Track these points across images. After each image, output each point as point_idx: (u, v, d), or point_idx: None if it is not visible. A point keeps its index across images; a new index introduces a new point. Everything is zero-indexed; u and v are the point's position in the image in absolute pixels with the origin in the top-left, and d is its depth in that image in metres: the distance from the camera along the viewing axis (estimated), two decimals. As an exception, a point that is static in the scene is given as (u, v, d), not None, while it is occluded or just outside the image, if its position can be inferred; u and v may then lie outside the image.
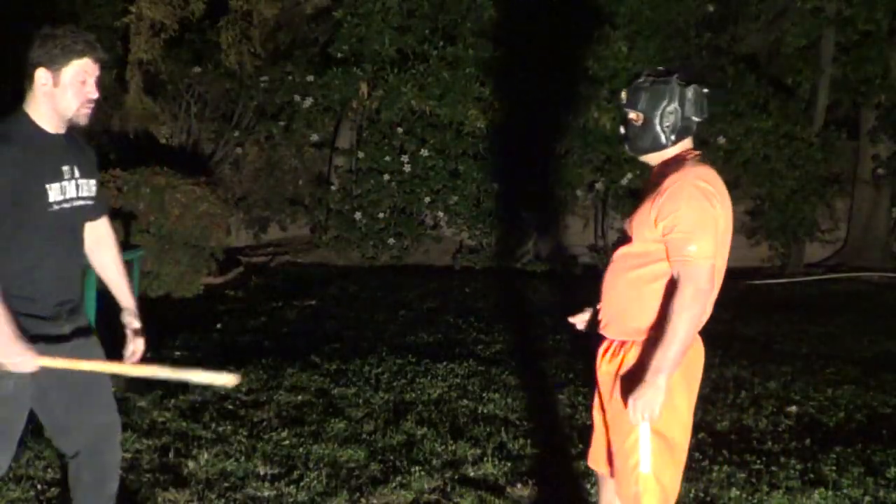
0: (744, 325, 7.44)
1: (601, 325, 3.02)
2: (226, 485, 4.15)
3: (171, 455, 4.45)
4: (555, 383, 5.85)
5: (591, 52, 10.19)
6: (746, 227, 11.16)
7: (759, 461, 4.55)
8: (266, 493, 4.07)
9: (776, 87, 11.11)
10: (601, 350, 3.04)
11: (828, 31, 11.07)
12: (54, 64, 2.89)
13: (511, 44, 10.46)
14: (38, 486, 4.02)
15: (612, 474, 3.01)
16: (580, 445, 4.76)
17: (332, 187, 10.87)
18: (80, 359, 3.11)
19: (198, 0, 9.97)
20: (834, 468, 4.46)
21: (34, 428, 4.57)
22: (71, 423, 3.13)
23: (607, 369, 2.99)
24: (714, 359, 6.40)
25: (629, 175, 10.43)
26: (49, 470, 4.20)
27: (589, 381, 5.86)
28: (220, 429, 4.82)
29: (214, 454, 4.47)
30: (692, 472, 4.38)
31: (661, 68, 2.98)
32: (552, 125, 10.38)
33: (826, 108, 11.32)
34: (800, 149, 10.89)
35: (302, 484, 4.16)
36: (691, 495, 4.17)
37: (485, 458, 4.52)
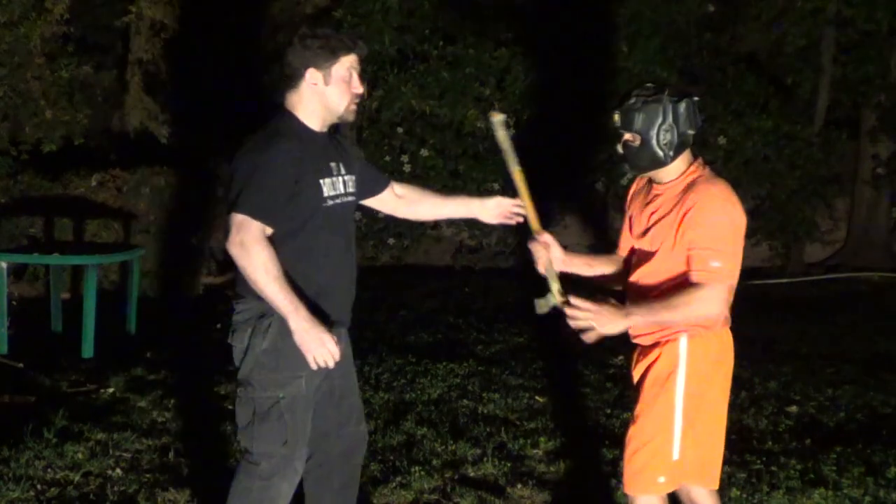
0: (744, 325, 7.41)
1: (633, 336, 3.10)
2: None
3: (171, 455, 4.45)
4: (555, 383, 5.85)
5: (591, 53, 10.19)
6: (746, 227, 11.15)
7: (759, 461, 4.55)
8: (266, 493, 4.07)
9: (776, 87, 11.10)
10: (635, 355, 3.13)
11: (828, 31, 11.06)
12: (324, 63, 2.94)
13: (511, 44, 10.47)
14: (38, 486, 4.02)
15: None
16: (580, 446, 4.77)
17: (332, 187, 10.87)
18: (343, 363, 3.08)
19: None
20: (834, 468, 4.46)
21: (33, 428, 4.58)
22: (331, 428, 3.15)
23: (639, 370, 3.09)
24: (714, 359, 6.39)
25: (629, 175, 10.41)
26: (49, 470, 4.20)
27: (590, 382, 5.87)
28: (221, 429, 4.81)
29: (214, 454, 4.46)
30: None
31: (649, 85, 3.00)
32: (555, 125, 10.39)
33: (826, 108, 11.31)
34: (800, 149, 10.88)
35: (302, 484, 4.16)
36: (691, 495, 4.16)
37: (485, 458, 4.52)
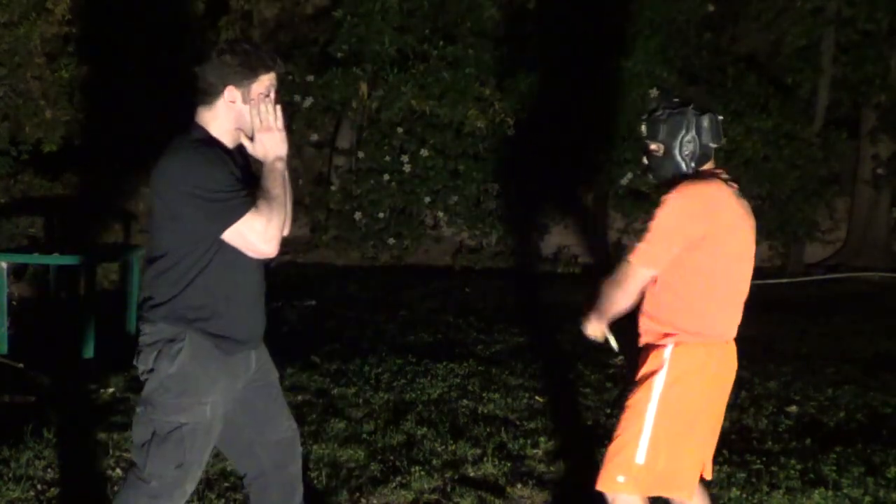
0: (744, 325, 7.40)
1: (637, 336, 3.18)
2: (226, 485, 4.15)
3: (171, 455, 4.44)
4: (555, 383, 5.86)
5: (591, 52, 10.19)
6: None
7: (759, 461, 4.55)
8: (266, 493, 4.07)
9: (776, 87, 11.11)
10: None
11: (828, 31, 11.07)
12: (243, 80, 2.84)
13: (511, 43, 10.47)
14: (38, 486, 4.02)
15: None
16: (580, 446, 4.77)
17: (332, 187, 10.87)
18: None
19: (198, 0, 9.96)
20: (834, 468, 4.46)
21: (33, 428, 4.58)
22: (254, 441, 3.04)
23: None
24: (714, 359, 6.40)
25: (629, 175, 10.44)
26: (49, 470, 4.20)
27: (590, 382, 5.87)
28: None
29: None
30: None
31: (676, 99, 3.13)
32: (556, 125, 10.39)
33: (826, 108, 11.32)
34: (800, 149, 10.89)
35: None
36: (691, 495, 4.16)
37: (485, 458, 4.52)
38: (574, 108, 10.29)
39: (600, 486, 3.01)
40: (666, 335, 3.01)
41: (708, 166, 3.10)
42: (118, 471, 4.24)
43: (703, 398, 3.02)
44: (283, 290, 8.74)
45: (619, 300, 3.07)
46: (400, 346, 6.60)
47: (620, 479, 2.96)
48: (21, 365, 5.82)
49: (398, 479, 4.26)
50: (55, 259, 6.54)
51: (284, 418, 3.12)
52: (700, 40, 10.99)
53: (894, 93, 11.22)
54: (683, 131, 3.04)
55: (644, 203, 10.28)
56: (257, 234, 2.76)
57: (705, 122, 3.05)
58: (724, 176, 3.09)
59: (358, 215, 10.58)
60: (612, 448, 3.02)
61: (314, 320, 7.52)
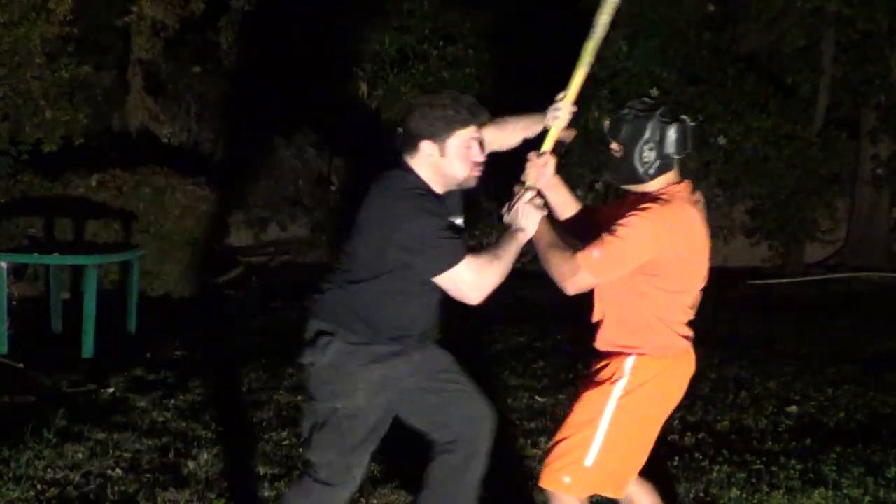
0: (744, 325, 7.44)
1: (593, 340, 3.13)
2: (226, 485, 4.15)
3: (171, 455, 4.45)
4: (555, 383, 5.85)
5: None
6: (746, 227, 11.16)
7: (759, 461, 4.55)
8: (266, 493, 4.07)
9: (776, 87, 11.10)
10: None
11: (828, 31, 11.06)
12: (439, 136, 2.91)
13: (511, 44, 10.47)
14: (38, 486, 4.02)
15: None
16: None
17: (332, 187, 10.87)
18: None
19: (198, 0, 9.97)
20: (834, 468, 4.46)
21: (33, 428, 4.58)
22: (440, 419, 3.21)
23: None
24: (714, 359, 6.40)
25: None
26: (49, 470, 4.20)
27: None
28: (220, 429, 4.82)
29: (214, 454, 4.47)
30: (692, 472, 4.38)
31: (646, 99, 3.00)
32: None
33: (826, 108, 11.32)
34: (800, 149, 10.88)
35: (302, 484, 4.16)
36: (691, 495, 4.17)
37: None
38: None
39: (544, 483, 2.99)
40: (629, 347, 2.96)
41: (670, 176, 2.94)
42: (118, 471, 4.24)
43: (660, 406, 3.00)
44: (284, 290, 8.74)
45: (546, 261, 2.98)
46: (400, 346, 6.59)
47: (566, 479, 2.93)
48: (21, 365, 5.82)
49: (398, 479, 4.26)
50: (55, 259, 6.54)
51: (474, 398, 3.29)
52: (700, 40, 10.99)
53: (894, 93, 11.22)
54: (646, 136, 2.88)
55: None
56: (468, 284, 2.91)
57: (671, 130, 2.87)
58: (687, 190, 2.96)
59: (358, 215, 10.57)
60: (560, 448, 2.97)
61: (314, 320, 7.51)
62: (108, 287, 7.93)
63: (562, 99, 3.18)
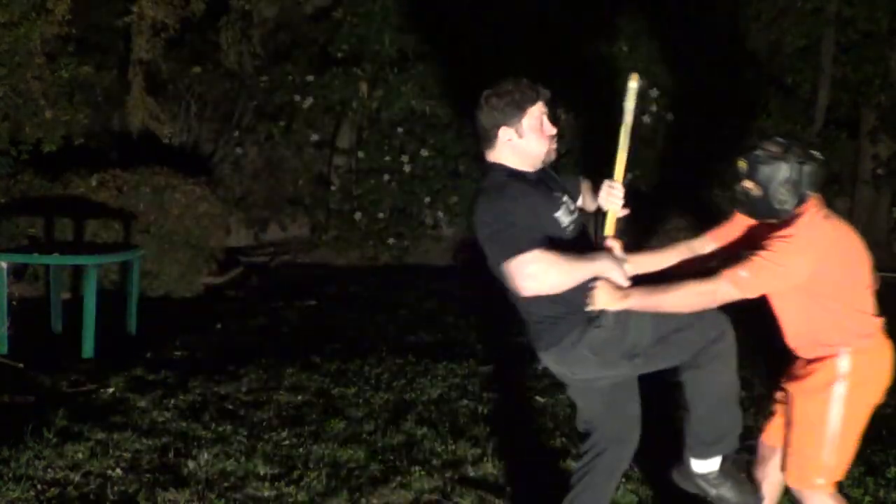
0: (744, 325, 7.43)
1: (794, 348, 3.46)
2: (226, 485, 4.15)
3: (171, 455, 4.45)
4: (555, 383, 5.85)
5: (592, 52, 10.20)
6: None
7: (759, 461, 4.54)
8: (266, 493, 4.08)
9: (776, 87, 11.10)
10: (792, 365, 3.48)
11: (828, 31, 11.06)
12: (513, 119, 3.08)
13: (511, 43, 10.47)
14: (38, 486, 4.02)
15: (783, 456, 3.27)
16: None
17: (332, 187, 10.87)
18: None
19: (198, 0, 9.97)
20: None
21: (33, 428, 4.58)
22: (671, 348, 3.27)
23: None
24: (714, 359, 6.40)
25: (629, 175, 10.42)
26: (49, 470, 4.20)
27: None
28: (220, 429, 4.82)
29: (214, 454, 4.47)
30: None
31: (780, 139, 3.14)
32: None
33: (826, 108, 11.31)
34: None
35: (302, 484, 4.16)
36: (691, 495, 4.16)
37: (485, 458, 4.52)
38: (574, 108, 10.29)
39: (800, 485, 3.20)
40: (835, 345, 3.18)
41: (807, 203, 3.12)
42: (118, 471, 4.24)
43: (876, 389, 3.19)
44: (283, 290, 8.74)
45: (677, 306, 3.08)
46: (400, 346, 6.60)
47: (819, 481, 3.16)
48: (21, 365, 5.82)
49: (398, 479, 4.26)
50: (55, 259, 6.54)
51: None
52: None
53: (894, 93, 11.22)
54: (783, 177, 3.06)
55: (643, 203, 10.28)
56: (517, 280, 3.02)
57: (806, 169, 3.07)
58: (818, 205, 3.16)
59: (358, 215, 10.58)
60: (800, 453, 3.18)
61: (314, 320, 7.51)
62: (108, 287, 7.92)
63: (614, 183, 3.30)
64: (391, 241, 10.58)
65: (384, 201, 10.61)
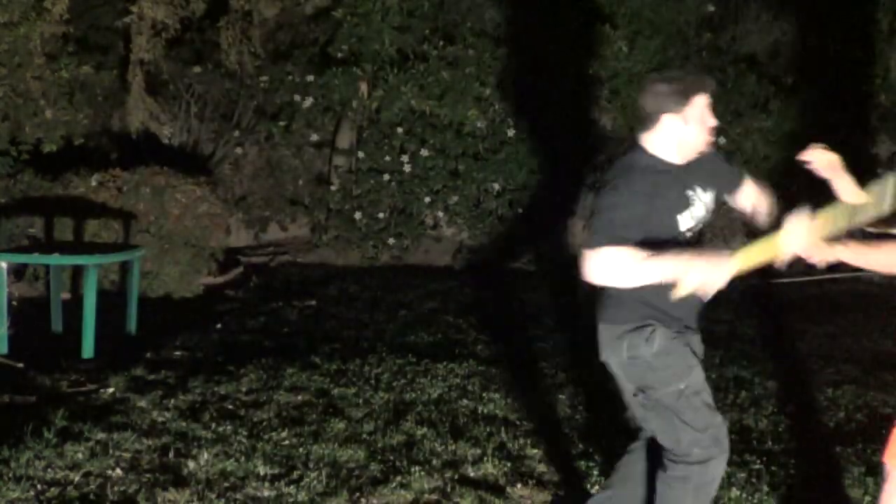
0: (744, 325, 7.44)
1: None
2: (226, 485, 4.15)
3: (171, 455, 4.45)
4: (555, 383, 5.86)
5: (591, 53, 10.20)
6: (747, 227, 11.17)
7: (759, 461, 4.55)
8: (266, 493, 4.08)
9: (776, 87, 11.09)
10: None
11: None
12: (678, 107, 3.13)
13: (512, 43, 10.47)
14: (38, 486, 4.02)
15: None
16: (580, 446, 4.77)
17: (332, 187, 10.86)
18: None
19: (198, 0, 9.97)
20: (834, 468, 4.46)
21: (33, 428, 4.58)
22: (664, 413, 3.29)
23: None
24: (714, 359, 6.41)
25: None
26: (49, 470, 4.20)
27: (590, 382, 5.87)
28: (220, 429, 4.82)
29: (214, 454, 4.47)
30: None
31: None
32: (552, 125, 10.40)
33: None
34: (799, 149, 10.88)
35: (302, 484, 4.16)
36: (691, 495, 4.16)
37: (485, 458, 4.52)
38: (574, 108, 10.29)
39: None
40: None
41: None
42: (118, 471, 4.24)
43: None
44: (283, 290, 8.74)
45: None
46: (400, 346, 6.60)
47: None
48: (21, 365, 5.82)
49: (398, 479, 4.26)
50: (55, 259, 6.54)
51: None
52: (700, 40, 10.99)
53: (894, 93, 11.21)
54: None
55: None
56: (589, 266, 3.04)
57: None
58: None
59: (358, 215, 10.57)
60: None
61: (314, 320, 7.52)
62: (108, 287, 7.92)
63: (813, 226, 3.15)
64: (391, 241, 10.57)
65: (384, 201, 10.61)
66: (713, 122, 3.20)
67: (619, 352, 3.21)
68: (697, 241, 3.24)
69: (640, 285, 3.05)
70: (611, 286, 3.14)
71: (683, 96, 3.12)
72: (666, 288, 3.03)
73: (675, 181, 3.15)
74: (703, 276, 2.98)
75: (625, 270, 3.01)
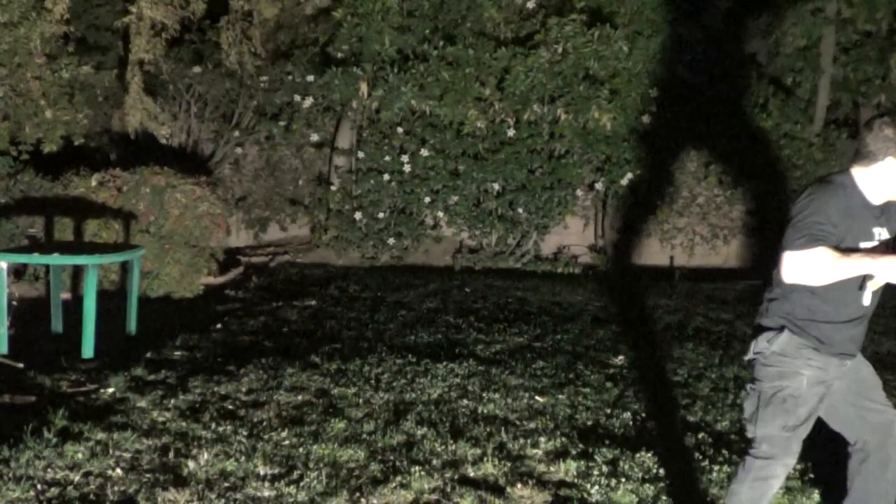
0: (744, 325, 7.44)
1: None
2: (226, 485, 4.15)
3: (171, 455, 4.45)
4: (555, 383, 5.86)
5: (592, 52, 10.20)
6: (747, 227, 11.17)
7: (759, 461, 4.54)
8: (266, 493, 4.08)
9: (776, 87, 11.10)
10: None
11: (828, 31, 11.07)
12: None
13: (511, 43, 10.47)
14: (38, 486, 4.02)
15: None
16: (580, 445, 4.77)
17: (332, 187, 10.87)
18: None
19: (198, 0, 9.97)
20: (834, 468, 4.46)
21: (33, 428, 4.58)
22: (854, 422, 3.58)
23: None
24: (714, 359, 6.41)
25: (629, 175, 10.44)
26: (49, 470, 4.20)
27: (590, 382, 5.86)
28: (220, 429, 4.82)
29: (214, 454, 4.47)
30: (693, 472, 4.39)
31: None
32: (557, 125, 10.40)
33: (826, 108, 11.32)
34: (800, 149, 10.89)
35: (302, 484, 4.16)
36: (692, 496, 4.17)
37: (485, 458, 4.52)
38: (574, 108, 10.29)
39: None
40: None
41: None
42: (118, 471, 4.24)
43: None
44: (283, 290, 8.74)
45: None
46: (400, 346, 6.60)
47: None
48: (21, 365, 5.82)
49: (398, 479, 4.26)
50: (55, 259, 6.54)
51: (880, 405, 3.56)
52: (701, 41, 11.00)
53: (894, 93, 11.22)
54: None
55: (643, 203, 10.29)
56: (784, 268, 3.24)
57: None
58: None
59: (358, 215, 10.58)
60: None
61: (314, 320, 7.52)
62: (108, 287, 7.93)
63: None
64: (391, 241, 10.58)
65: (384, 201, 10.62)
66: None
67: (759, 345, 3.47)
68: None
69: (827, 283, 3.24)
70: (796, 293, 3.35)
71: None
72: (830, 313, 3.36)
73: (869, 216, 3.32)
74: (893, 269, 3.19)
75: (821, 268, 3.19)
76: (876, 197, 3.33)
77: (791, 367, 3.40)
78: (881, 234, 3.37)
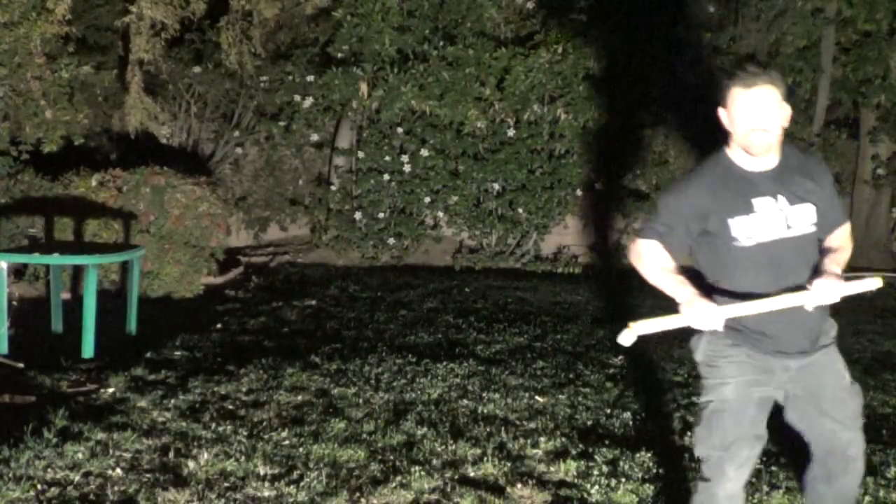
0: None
1: None
2: (226, 485, 4.15)
3: (171, 455, 4.45)
4: (556, 383, 5.86)
5: (592, 52, 10.21)
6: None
7: (759, 461, 4.54)
8: (266, 493, 4.08)
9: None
10: None
11: (828, 31, 11.06)
12: (724, 100, 3.13)
13: (511, 43, 10.47)
14: (38, 486, 4.02)
15: None
16: (580, 445, 4.77)
17: (332, 187, 10.87)
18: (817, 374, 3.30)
19: (198, 0, 9.97)
20: (834, 468, 4.45)
21: (33, 428, 4.58)
22: (804, 428, 3.38)
23: None
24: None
25: (629, 175, 10.44)
26: (49, 470, 4.20)
27: (590, 382, 5.86)
28: (220, 429, 4.82)
29: (214, 454, 4.47)
30: (692, 472, 4.38)
31: None
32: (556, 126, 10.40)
33: (826, 108, 11.31)
34: (799, 149, 10.88)
35: (302, 484, 4.16)
36: (692, 496, 4.16)
37: (485, 458, 4.52)
38: (574, 107, 10.29)
39: None
40: None
41: None
42: (118, 471, 4.24)
43: None
44: (283, 290, 8.74)
45: None
46: (400, 346, 6.60)
47: None
48: (21, 365, 5.82)
49: (398, 479, 4.26)
50: (55, 259, 6.54)
51: (835, 422, 3.28)
52: (700, 40, 10.99)
53: (894, 93, 11.22)
54: None
55: (644, 203, 10.28)
56: (631, 252, 3.28)
57: None
58: None
59: (358, 215, 10.58)
60: None
61: (314, 320, 7.52)
62: (108, 287, 7.93)
63: (843, 287, 3.34)
64: (391, 241, 10.58)
65: (384, 201, 10.62)
66: (759, 122, 3.19)
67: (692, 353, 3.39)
68: (772, 263, 3.16)
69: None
70: None
71: (726, 88, 3.20)
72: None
73: (747, 186, 3.13)
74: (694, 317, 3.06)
75: (642, 266, 3.21)
76: (746, 160, 3.10)
77: (716, 377, 3.16)
78: (768, 204, 3.07)
